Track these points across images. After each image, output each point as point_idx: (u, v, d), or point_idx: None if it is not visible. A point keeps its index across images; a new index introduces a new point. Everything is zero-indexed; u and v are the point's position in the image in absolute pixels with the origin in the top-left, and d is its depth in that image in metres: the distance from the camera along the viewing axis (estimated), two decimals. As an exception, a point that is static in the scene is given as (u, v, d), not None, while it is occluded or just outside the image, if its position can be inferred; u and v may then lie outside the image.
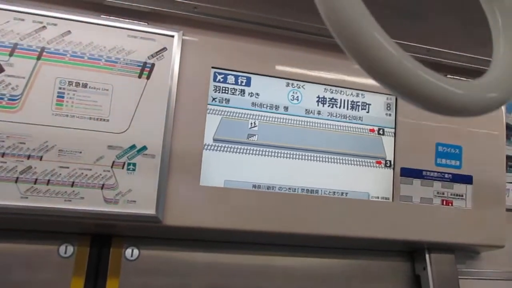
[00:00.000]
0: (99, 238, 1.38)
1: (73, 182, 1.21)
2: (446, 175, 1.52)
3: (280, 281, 1.50)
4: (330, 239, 1.45)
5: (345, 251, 1.57)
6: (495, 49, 0.66)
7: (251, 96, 1.40)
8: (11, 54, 1.21)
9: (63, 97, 1.24)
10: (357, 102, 1.49)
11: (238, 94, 1.39)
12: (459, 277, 1.57)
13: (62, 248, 1.35)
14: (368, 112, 1.50)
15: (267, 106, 1.41)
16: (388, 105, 1.52)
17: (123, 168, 1.25)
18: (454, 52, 1.53)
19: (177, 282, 1.41)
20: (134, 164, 1.26)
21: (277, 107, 1.42)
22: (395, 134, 1.51)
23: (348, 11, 0.52)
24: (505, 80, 0.62)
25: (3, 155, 1.18)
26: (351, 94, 1.49)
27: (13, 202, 1.17)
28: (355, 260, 1.59)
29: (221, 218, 1.32)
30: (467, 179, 1.54)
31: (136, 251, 1.40)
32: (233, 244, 1.46)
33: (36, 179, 1.19)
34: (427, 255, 1.57)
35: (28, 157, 1.20)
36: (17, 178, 1.18)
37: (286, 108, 1.43)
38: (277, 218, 1.36)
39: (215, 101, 1.37)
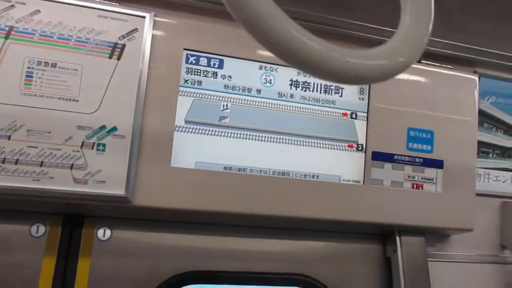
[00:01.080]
0: (71, 218, 1.39)
1: (42, 162, 1.22)
2: (417, 159, 1.54)
3: (250, 262, 1.52)
4: (301, 221, 1.47)
5: (317, 234, 1.60)
6: (402, 18, 0.69)
7: (223, 78, 1.41)
8: (-22, 33, 1.21)
9: (31, 76, 1.23)
10: (330, 86, 1.50)
11: (211, 76, 1.40)
12: (429, 259, 1.60)
13: (33, 228, 1.36)
14: (341, 96, 1.51)
15: (239, 88, 1.42)
16: (361, 89, 1.53)
17: (92, 148, 1.25)
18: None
19: (148, 263, 1.43)
20: (104, 145, 1.26)
21: (249, 90, 1.43)
22: (367, 118, 1.52)
23: None
24: (404, 47, 0.65)
25: (-30, 134, 1.18)
26: (325, 78, 1.50)
27: (-19, 181, 1.17)
28: (327, 243, 1.62)
29: (191, 199, 1.33)
30: (438, 164, 1.56)
31: (108, 232, 1.41)
32: (203, 225, 1.48)
33: (4, 159, 1.20)
34: (397, 238, 1.59)
35: (-4, 136, 1.19)
36: (-15, 157, 1.18)
37: (258, 91, 1.43)
38: (248, 200, 1.37)
39: (187, 83, 1.37)
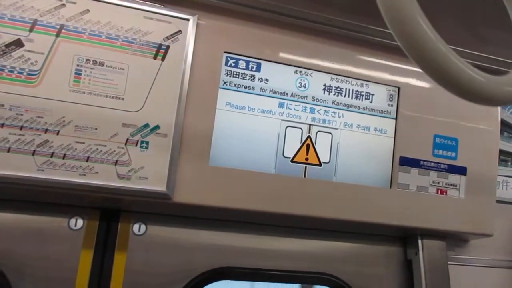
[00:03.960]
0: (108, 212, 1.43)
1: (88, 157, 1.26)
2: (442, 166, 1.59)
3: (278, 261, 1.57)
4: (328, 222, 1.51)
5: (342, 235, 1.64)
6: None
7: (260, 81, 1.45)
8: (31, 30, 1.24)
9: (80, 74, 1.27)
10: (361, 92, 1.55)
11: (249, 79, 1.44)
12: (449, 263, 1.65)
13: (72, 221, 1.40)
14: (371, 102, 1.55)
15: (275, 92, 1.46)
16: (391, 96, 1.58)
17: (136, 145, 1.29)
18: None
19: (182, 258, 1.47)
20: (147, 142, 1.30)
21: (285, 94, 1.47)
22: (396, 124, 1.57)
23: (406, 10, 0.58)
24: None
25: (21, 128, 1.22)
26: (356, 84, 1.55)
27: (30, 174, 1.21)
28: (351, 244, 1.66)
29: (227, 197, 1.37)
30: (461, 170, 1.61)
31: (143, 227, 1.45)
32: (236, 223, 1.52)
33: (53, 153, 1.23)
34: (419, 241, 1.64)
35: (46, 131, 1.23)
36: (34, 151, 1.22)
37: (293, 95, 1.48)
38: (281, 200, 1.41)
39: (226, 84, 1.41)
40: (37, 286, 1.34)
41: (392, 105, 1.58)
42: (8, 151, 1.21)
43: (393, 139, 1.56)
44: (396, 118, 1.57)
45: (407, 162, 1.56)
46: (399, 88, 1.58)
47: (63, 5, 1.27)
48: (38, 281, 1.34)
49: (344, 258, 1.65)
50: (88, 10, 1.29)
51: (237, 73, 1.43)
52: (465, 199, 1.61)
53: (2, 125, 1.21)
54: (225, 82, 1.41)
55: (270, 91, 1.46)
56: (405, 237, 1.71)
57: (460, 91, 0.64)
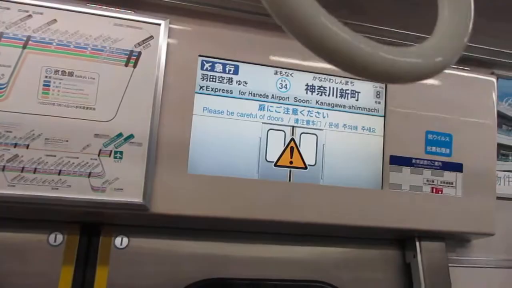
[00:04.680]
0: (89, 226, 1.39)
1: (60, 170, 1.22)
2: (436, 163, 1.52)
3: (269, 269, 1.51)
4: (318, 227, 1.45)
5: (335, 240, 1.58)
6: (440, 13, 0.66)
7: (239, 84, 1.40)
8: (-4, 43, 1.22)
9: (49, 85, 1.24)
10: (346, 90, 1.49)
11: (226, 82, 1.39)
12: (450, 265, 1.57)
13: (51, 237, 1.36)
14: (357, 100, 1.49)
15: (255, 94, 1.41)
16: (378, 93, 1.52)
17: (110, 156, 1.25)
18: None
19: (166, 270, 1.42)
20: (121, 152, 1.26)
21: (265, 96, 1.42)
22: (384, 122, 1.50)
23: None
24: (447, 44, 0.62)
25: (-11, 143, 1.19)
26: (340, 82, 1.49)
27: (1, 190, 1.18)
28: (345, 249, 1.60)
29: (208, 206, 1.32)
30: (457, 167, 1.54)
31: (125, 240, 1.41)
32: (221, 232, 1.47)
33: (23, 167, 1.20)
34: (417, 243, 1.57)
35: (15, 145, 1.20)
36: (4, 166, 1.19)
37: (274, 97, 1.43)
38: (265, 206, 1.36)
39: (203, 89, 1.37)
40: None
41: (379, 102, 1.51)
42: (-23, 167, 1.18)
43: (382, 137, 1.50)
44: (384, 116, 1.51)
45: (398, 161, 1.49)
46: (386, 84, 1.52)
47: (30, 16, 1.25)
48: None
49: (338, 264, 1.58)
50: (55, 20, 1.26)
51: (214, 77, 1.38)
52: (462, 197, 1.53)
53: (-30, 141, 1.18)
54: (201, 87, 1.37)
55: (249, 93, 1.41)
56: (402, 240, 1.64)
57: (347, 65, 0.58)
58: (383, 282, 1.61)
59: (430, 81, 1.55)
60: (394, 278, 1.62)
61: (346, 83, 1.49)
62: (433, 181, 1.51)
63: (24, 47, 1.23)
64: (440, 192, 1.51)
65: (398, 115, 1.51)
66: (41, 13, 1.26)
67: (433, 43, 0.62)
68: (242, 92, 1.40)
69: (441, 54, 0.61)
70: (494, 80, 1.63)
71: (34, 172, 1.20)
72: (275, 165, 1.40)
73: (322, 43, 0.54)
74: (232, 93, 1.39)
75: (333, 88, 1.48)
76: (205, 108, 1.36)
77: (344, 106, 1.48)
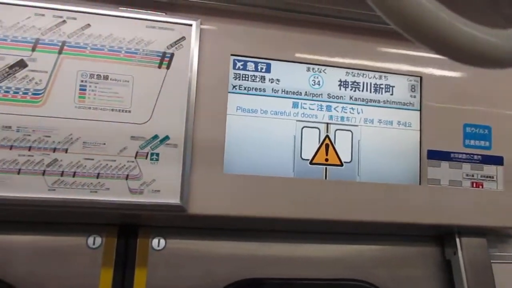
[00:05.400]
0: (126, 228, 1.40)
1: (98, 174, 1.23)
2: (476, 157, 1.48)
3: (307, 269, 1.49)
4: (356, 225, 1.43)
5: (373, 237, 1.55)
6: None
7: (271, 82, 1.39)
8: (33, 49, 1.23)
9: (85, 89, 1.25)
10: (380, 85, 1.46)
11: (259, 81, 1.38)
12: (492, 261, 1.52)
13: (90, 240, 1.37)
14: (392, 94, 1.46)
15: (288, 92, 1.40)
16: (413, 86, 1.48)
17: (146, 158, 1.26)
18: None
19: (203, 271, 1.41)
20: (157, 154, 1.26)
21: (299, 93, 1.40)
22: (420, 116, 1.47)
23: None
24: None
25: (29, 148, 1.20)
26: (374, 76, 1.46)
27: (41, 195, 1.19)
28: (383, 246, 1.57)
29: (245, 205, 1.31)
30: (497, 160, 1.49)
31: (162, 241, 1.41)
32: (258, 232, 1.46)
33: (63, 172, 1.21)
34: (457, 240, 1.53)
35: (54, 150, 1.21)
36: (44, 171, 1.20)
37: (307, 94, 1.41)
38: (302, 204, 1.34)
39: (235, 88, 1.36)
40: (60, 307, 1.32)
41: (415, 96, 1.48)
42: (19, 172, 1.19)
43: (418, 132, 1.46)
44: (420, 110, 1.47)
45: (436, 156, 1.46)
46: (421, 78, 1.49)
47: (64, 21, 1.26)
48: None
49: (377, 262, 1.55)
50: (89, 25, 1.27)
51: (246, 76, 1.37)
52: (504, 191, 1.49)
53: (11, 147, 1.20)
54: (234, 86, 1.36)
55: (282, 91, 1.39)
56: (442, 236, 1.60)
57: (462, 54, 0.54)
58: (423, 280, 1.58)
59: (466, 72, 1.51)
60: (434, 275, 1.58)
61: (380, 77, 1.46)
62: (472, 175, 1.47)
63: (59, 52, 1.24)
64: (480, 187, 1.47)
65: (434, 109, 1.48)
66: (75, 18, 1.27)
67: None
68: (275, 90, 1.39)
69: None
70: (533, 69, 1.57)
71: (74, 176, 1.22)
72: (311, 163, 1.39)
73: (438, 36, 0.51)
74: (265, 91, 1.38)
75: (367, 83, 1.45)
76: (238, 108, 1.36)
77: (379, 101, 1.45)
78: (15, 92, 1.21)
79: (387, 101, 1.46)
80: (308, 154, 1.39)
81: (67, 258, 1.36)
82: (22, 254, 1.33)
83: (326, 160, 1.40)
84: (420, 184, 1.44)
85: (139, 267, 1.38)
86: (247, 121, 1.36)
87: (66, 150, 1.22)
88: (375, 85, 1.46)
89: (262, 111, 1.37)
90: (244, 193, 1.32)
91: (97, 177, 1.23)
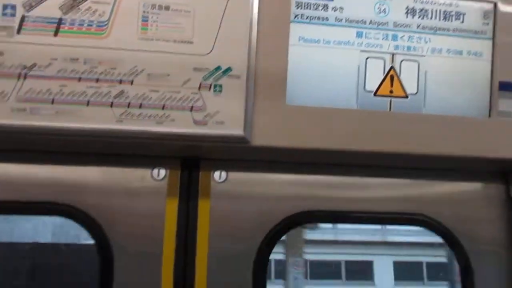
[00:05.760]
0: (189, 161, 1.42)
1: (163, 105, 1.24)
2: (551, 88, 1.39)
3: (366, 203, 1.49)
4: (420, 159, 1.39)
5: (436, 173, 1.52)
6: None
7: (334, 10, 1.33)
8: (95, -20, 1.22)
9: (147, 20, 1.24)
10: (450, 11, 1.37)
11: (321, 9, 1.33)
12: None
13: (155, 171, 1.41)
14: (462, 22, 1.38)
15: (351, 20, 1.34)
16: (486, 13, 1.39)
17: (210, 89, 1.25)
18: None
19: (263, 203, 1.43)
20: (221, 86, 1.26)
21: (363, 22, 1.34)
22: (493, 45, 1.38)
23: None
24: None
25: (97, 80, 1.22)
26: (444, 3, 1.37)
27: (110, 126, 1.22)
28: (446, 182, 1.54)
29: (307, 137, 1.30)
30: None
31: (224, 174, 1.43)
32: (319, 165, 1.45)
33: (129, 103, 1.23)
34: (524, 176, 1.48)
35: (120, 81, 1.23)
36: (112, 102, 1.22)
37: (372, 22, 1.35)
38: (365, 137, 1.32)
39: (298, 18, 1.32)
40: (130, 235, 1.38)
41: (487, 24, 1.39)
42: (88, 104, 1.22)
43: (490, 62, 1.39)
44: (493, 39, 1.39)
45: (508, 87, 1.38)
46: (495, 4, 1.39)
47: (124, -49, 1.23)
48: (131, 231, 1.38)
49: (439, 197, 1.53)
50: (148, -46, 1.24)
51: (309, 4, 1.32)
52: None
53: (79, 79, 1.22)
54: (296, 15, 1.32)
55: (346, 20, 1.34)
56: (507, 172, 1.54)
57: None
58: (485, 217, 1.55)
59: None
60: (497, 213, 1.55)
61: (450, 4, 1.38)
62: (547, 108, 1.39)
63: (119, -17, 1.23)
64: (555, 120, 1.39)
65: (508, 37, 1.38)
66: None
67: None
68: (338, 18, 1.33)
69: None
70: None
71: (140, 107, 1.23)
72: (375, 94, 1.35)
73: None
74: (328, 20, 1.33)
75: (436, 10, 1.37)
76: (300, 38, 1.32)
77: (448, 30, 1.38)
78: (80, 24, 1.22)
79: (457, 29, 1.38)
80: (372, 85, 1.35)
81: (134, 190, 1.40)
82: (92, 184, 1.39)
83: (391, 92, 1.36)
84: (489, 116, 1.38)
85: (202, 198, 1.41)
86: (310, 52, 1.32)
87: (131, 82, 1.23)
88: (445, 12, 1.37)
89: (325, 41, 1.33)
90: (306, 124, 1.30)
91: (163, 109, 1.24)
